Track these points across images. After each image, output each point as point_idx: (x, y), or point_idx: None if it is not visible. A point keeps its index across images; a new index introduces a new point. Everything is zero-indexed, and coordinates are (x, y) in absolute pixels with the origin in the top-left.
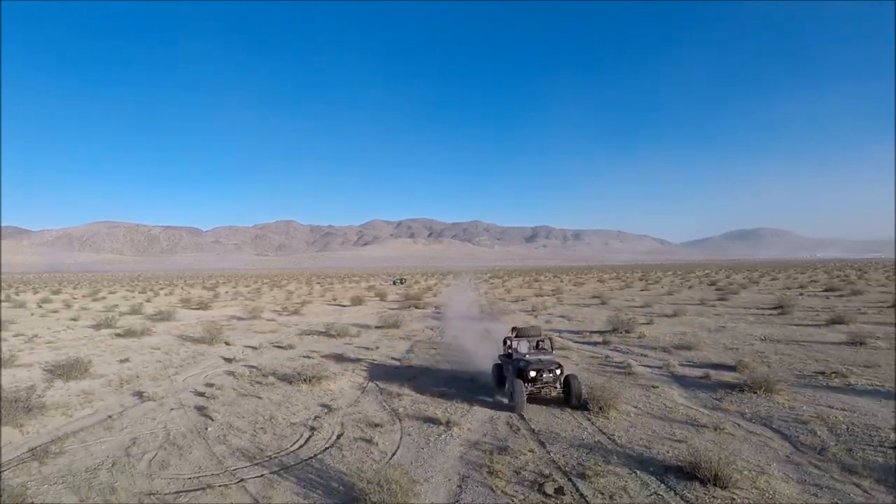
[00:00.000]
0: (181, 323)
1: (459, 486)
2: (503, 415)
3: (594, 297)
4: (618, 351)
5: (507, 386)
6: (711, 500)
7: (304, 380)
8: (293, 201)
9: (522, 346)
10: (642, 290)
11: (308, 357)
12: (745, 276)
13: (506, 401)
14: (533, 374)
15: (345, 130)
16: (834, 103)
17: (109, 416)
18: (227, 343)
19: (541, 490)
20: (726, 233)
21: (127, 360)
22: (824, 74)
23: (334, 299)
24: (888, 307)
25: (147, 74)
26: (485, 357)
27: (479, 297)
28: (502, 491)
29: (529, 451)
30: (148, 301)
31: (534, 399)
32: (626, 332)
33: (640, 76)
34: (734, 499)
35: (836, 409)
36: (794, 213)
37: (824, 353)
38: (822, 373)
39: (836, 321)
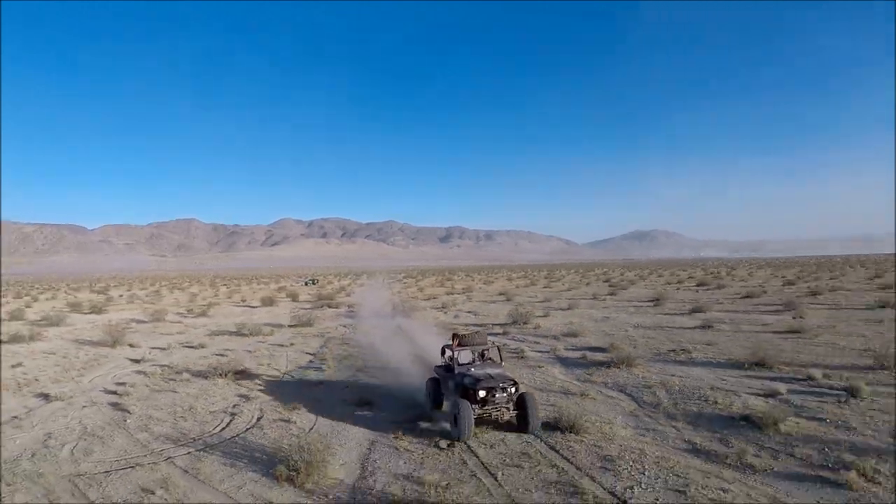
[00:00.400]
0: (74, 328)
1: (369, 448)
2: (411, 391)
3: (501, 294)
4: (515, 340)
5: (448, 407)
6: (566, 442)
7: (221, 374)
8: (194, 198)
9: (464, 356)
10: (545, 288)
11: (222, 355)
12: (636, 274)
13: (446, 426)
14: (483, 393)
15: (251, 125)
16: (719, 116)
17: (15, 417)
18: (131, 345)
19: (436, 446)
20: (625, 234)
21: (20, 364)
22: (716, 85)
23: (243, 300)
24: (741, 298)
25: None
26: (399, 352)
27: (392, 296)
28: (405, 449)
29: (431, 420)
30: (27, 307)
31: (481, 422)
32: (524, 323)
33: (548, 79)
34: (583, 440)
35: (676, 376)
36: (685, 215)
37: (680, 335)
38: (674, 350)
39: (696, 310)
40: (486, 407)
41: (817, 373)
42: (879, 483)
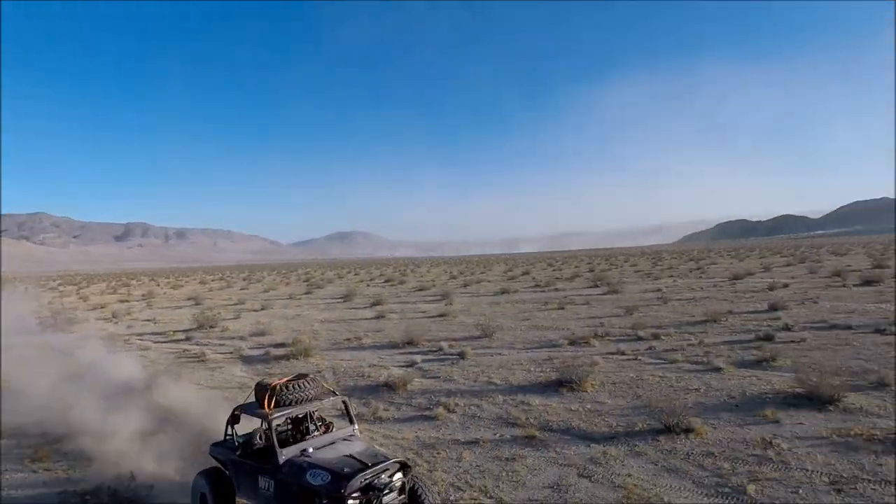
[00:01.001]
0: None
1: None
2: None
3: (190, 298)
4: (198, 344)
5: None
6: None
7: None
8: None
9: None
10: (242, 290)
11: None
12: (336, 273)
13: None
14: (354, 500)
15: None
16: (402, 123)
17: None
18: None
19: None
20: (328, 234)
21: None
22: (391, 100)
23: None
24: (415, 291)
25: None
26: (46, 374)
27: (39, 308)
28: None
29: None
30: None
31: None
32: (211, 327)
33: (250, 73)
34: None
35: (345, 360)
36: (381, 218)
37: (358, 326)
38: (349, 339)
39: (376, 303)
40: None
41: (445, 345)
42: (455, 412)
